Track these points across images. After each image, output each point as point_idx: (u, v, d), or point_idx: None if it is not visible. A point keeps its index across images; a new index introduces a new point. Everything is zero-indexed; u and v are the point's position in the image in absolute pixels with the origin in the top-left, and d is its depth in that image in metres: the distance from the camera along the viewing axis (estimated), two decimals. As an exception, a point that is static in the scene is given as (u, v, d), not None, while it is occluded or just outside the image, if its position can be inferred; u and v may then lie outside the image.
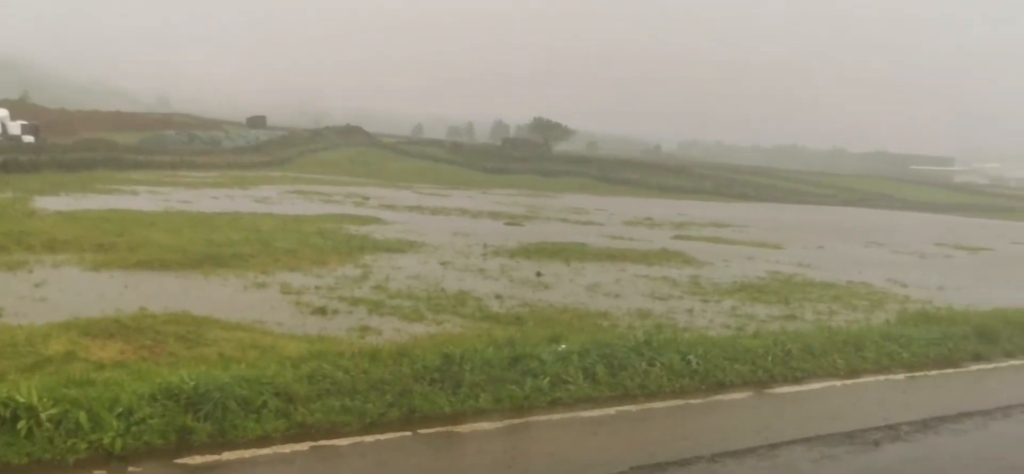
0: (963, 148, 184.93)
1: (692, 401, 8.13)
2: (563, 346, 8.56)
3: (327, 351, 7.98)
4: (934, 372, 10.28)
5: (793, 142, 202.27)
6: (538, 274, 16.54)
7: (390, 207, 32.34)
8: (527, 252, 19.96)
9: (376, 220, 25.88)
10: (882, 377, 9.75)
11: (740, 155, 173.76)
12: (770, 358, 9.29)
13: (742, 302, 14.76)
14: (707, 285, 16.61)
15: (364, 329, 10.39)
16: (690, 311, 13.43)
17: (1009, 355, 11.50)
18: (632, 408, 7.75)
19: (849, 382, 9.37)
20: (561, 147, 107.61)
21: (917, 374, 10.07)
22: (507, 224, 28.33)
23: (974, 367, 10.78)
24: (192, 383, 6.60)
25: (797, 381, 9.11)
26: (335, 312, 11.42)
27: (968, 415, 8.34)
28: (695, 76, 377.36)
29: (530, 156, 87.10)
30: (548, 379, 7.88)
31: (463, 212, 32.71)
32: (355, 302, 12.23)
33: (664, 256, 21.15)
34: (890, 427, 7.68)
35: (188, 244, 17.20)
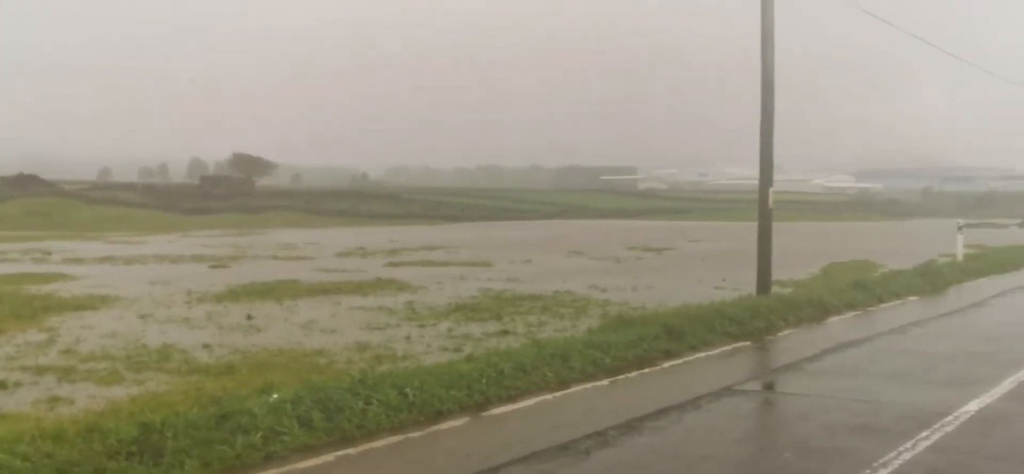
0: (645, 157, 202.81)
1: (411, 435, 8.09)
2: (275, 396, 8.18)
3: (1, 438, 7.02)
4: (634, 373, 11.03)
5: (494, 162, 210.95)
6: (249, 317, 15.81)
7: (77, 260, 29.54)
8: (235, 295, 19.05)
9: (61, 277, 23.50)
10: (589, 385, 10.31)
11: (445, 178, 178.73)
12: (484, 380, 9.49)
13: (458, 323, 15.06)
14: (423, 310, 16.78)
15: (54, 401, 9.33)
16: (408, 338, 13.46)
17: (694, 349, 12.65)
18: (351, 451, 7.57)
19: (559, 394, 9.80)
20: (265, 182, 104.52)
21: (619, 378, 10.75)
22: (212, 267, 26.90)
23: (666, 364, 11.72)
24: None
25: (512, 399, 9.38)
26: (17, 385, 10.15)
27: (665, 411, 9.01)
28: (399, 103, 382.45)
29: (232, 193, 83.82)
30: (261, 434, 7.48)
31: (162, 258, 30.64)
32: (41, 371, 10.96)
33: (379, 285, 21.11)
34: (599, 433, 8.10)
35: None
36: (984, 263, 27.30)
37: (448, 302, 17.87)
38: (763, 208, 17.46)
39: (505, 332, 13.99)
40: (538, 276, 23.92)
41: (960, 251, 27.42)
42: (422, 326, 14.83)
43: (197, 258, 30.74)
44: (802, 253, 32.88)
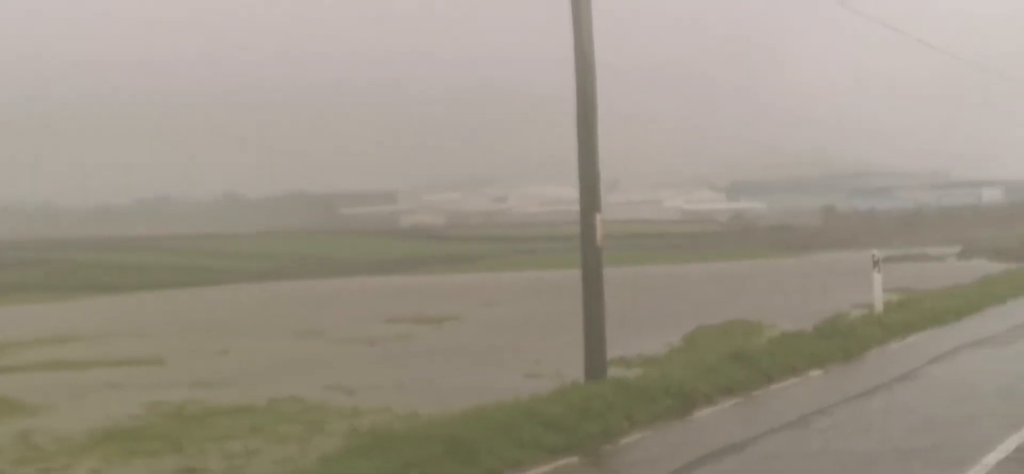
0: (410, 175, 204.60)
1: None
2: None
3: None
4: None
5: (163, 192, 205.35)
6: None
7: None
8: None
9: None
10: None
11: (79, 221, 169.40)
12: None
13: (108, 463, 14.60)
14: (48, 444, 16.13)
15: None
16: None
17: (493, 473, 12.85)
18: None
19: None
20: None
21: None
22: None
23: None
24: None
25: None
26: None
27: None
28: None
29: None
30: None
31: None
32: None
33: (-33, 408, 20.06)
34: None
35: None
36: (914, 313, 29.39)
37: (92, 427, 17.24)
38: (589, 246, 18.06)
39: (190, 472, 13.74)
40: (243, 375, 23.48)
41: (879, 298, 29.33)
42: (47, 472, 14.24)
43: None
44: (653, 313, 34.13)
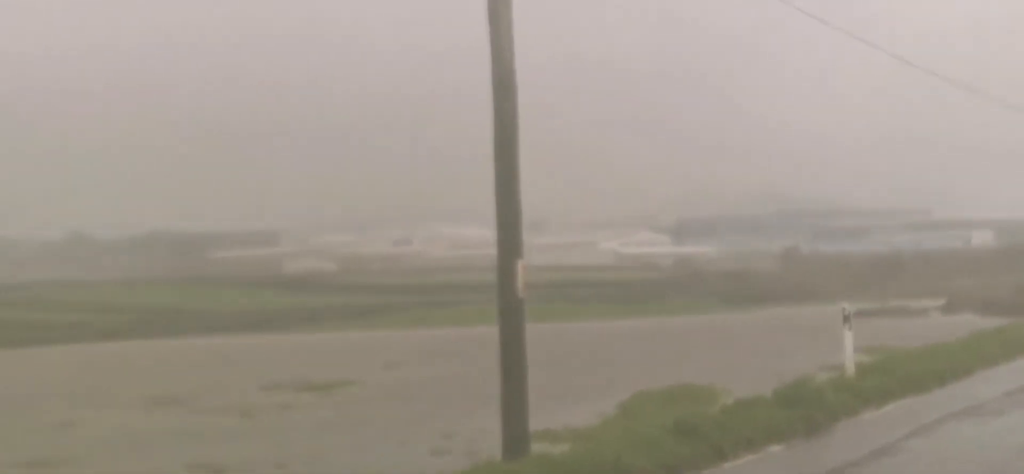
0: (297, 213, 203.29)
1: None
2: None
3: None
4: None
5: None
6: None
7: None
8: None
9: None
10: None
11: None
12: None
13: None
14: None
15: None
16: None
17: None
18: None
19: None
20: None
21: None
22: None
23: None
24: None
25: None
26: None
27: None
28: None
29: None
30: None
31: None
32: None
33: None
34: None
35: None
36: (891, 377, 29.67)
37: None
38: (508, 296, 18.17)
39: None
40: (89, 452, 23.33)
41: (850, 359, 29.62)
42: None
43: None
44: (585, 376, 34.26)
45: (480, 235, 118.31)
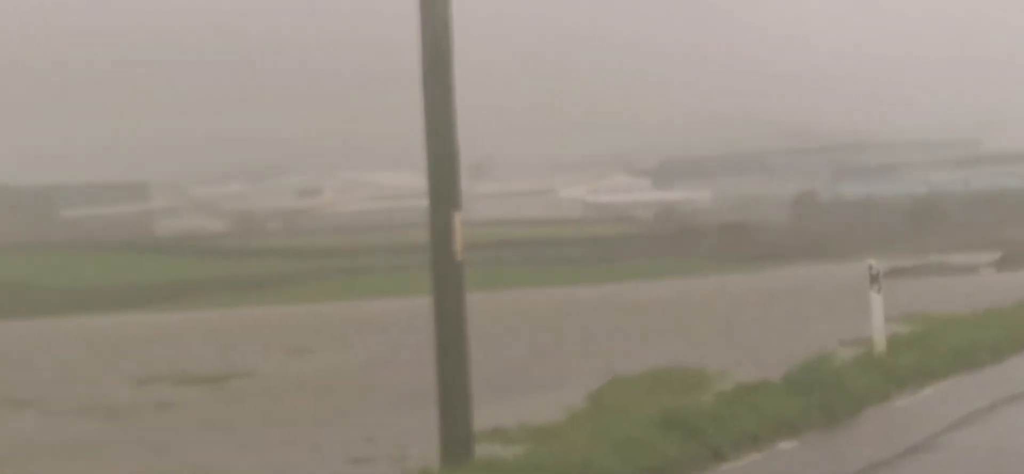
0: (172, 158, 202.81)
1: None
2: None
3: None
4: None
5: None
6: None
7: None
8: None
9: None
10: None
11: None
12: None
13: None
14: None
15: None
16: None
17: None
18: None
19: None
20: None
21: None
22: None
23: None
24: None
25: None
26: None
27: None
28: None
29: None
30: None
31: None
32: None
33: None
34: None
35: None
36: (931, 352, 29.80)
37: None
38: (443, 259, 18.02)
39: None
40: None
41: (879, 330, 29.73)
42: None
43: None
44: (546, 359, 34.26)
45: (407, 182, 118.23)
